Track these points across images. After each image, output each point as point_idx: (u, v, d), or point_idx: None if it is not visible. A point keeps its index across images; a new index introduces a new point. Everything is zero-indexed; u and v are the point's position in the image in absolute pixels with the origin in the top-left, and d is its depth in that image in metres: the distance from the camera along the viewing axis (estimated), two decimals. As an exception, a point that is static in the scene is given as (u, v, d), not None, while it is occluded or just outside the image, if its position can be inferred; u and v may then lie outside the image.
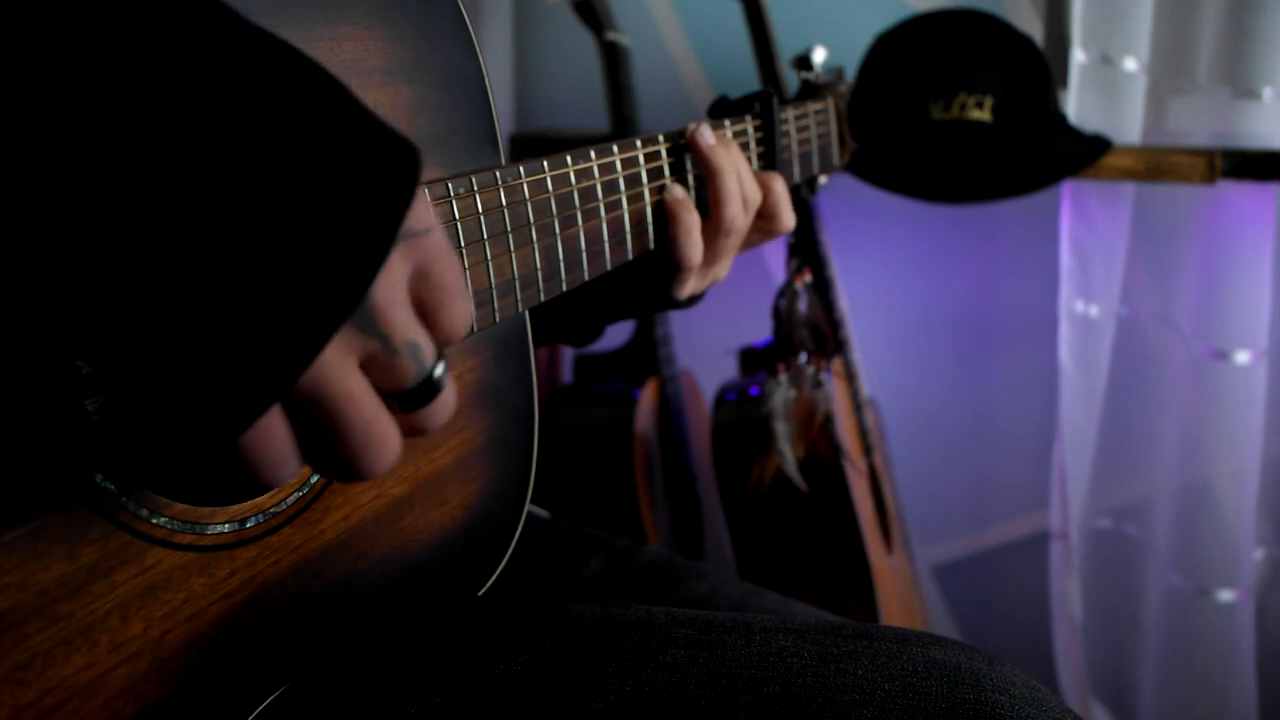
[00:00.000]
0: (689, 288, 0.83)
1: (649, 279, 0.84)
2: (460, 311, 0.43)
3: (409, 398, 0.42)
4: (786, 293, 1.41)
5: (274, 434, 0.39)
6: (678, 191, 0.78)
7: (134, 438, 0.37)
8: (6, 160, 0.34)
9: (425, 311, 0.42)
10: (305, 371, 0.37)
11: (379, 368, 0.40)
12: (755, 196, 0.82)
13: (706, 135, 0.78)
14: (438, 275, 0.42)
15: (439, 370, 0.42)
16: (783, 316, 1.41)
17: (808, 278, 1.44)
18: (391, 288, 0.40)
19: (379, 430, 0.40)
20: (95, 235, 0.34)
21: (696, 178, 0.80)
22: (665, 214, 0.78)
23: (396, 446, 0.41)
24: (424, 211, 0.41)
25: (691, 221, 0.78)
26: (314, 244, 0.36)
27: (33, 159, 0.34)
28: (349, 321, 0.38)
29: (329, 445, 0.40)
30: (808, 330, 1.41)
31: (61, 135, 0.34)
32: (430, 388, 0.42)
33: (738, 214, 0.80)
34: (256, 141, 0.36)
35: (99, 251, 0.34)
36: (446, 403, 0.43)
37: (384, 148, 0.38)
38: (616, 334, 1.67)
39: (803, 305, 1.41)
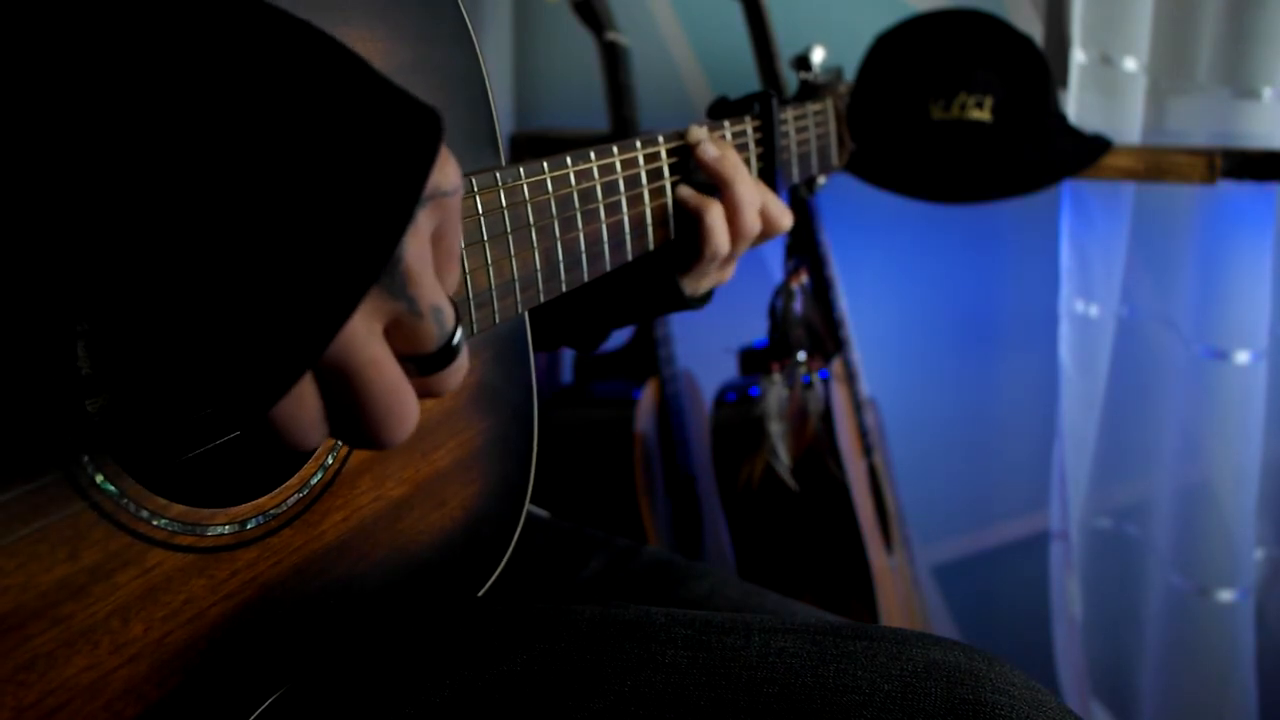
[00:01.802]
0: (706, 282, 0.84)
1: (658, 280, 0.84)
2: (455, 278, 0.43)
3: (428, 362, 0.41)
4: (782, 293, 1.41)
5: (305, 399, 0.39)
6: (686, 190, 0.79)
7: (163, 413, 0.37)
8: (34, 130, 0.34)
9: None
10: (336, 336, 0.37)
11: (403, 332, 0.40)
12: (761, 199, 0.82)
13: (709, 149, 0.78)
14: (449, 238, 0.42)
15: (458, 335, 0.42)
16: (778, 317, 1.41)
17: (804, 278, 1.44)
18: (422, 248, 0.40)
19: (401, 399, 0.40)
20: (132, 206, 0.34)
21: (701, 184, 0.80)
22: (687, 212, 0.79)
23: (415, 415, 0.41)
24: (453, 172, 0.41)
25: (716, 209, 0.79)
26: (340, 205, 0.36)
27: (61, 134, 0.34)
28: (379, 284, 0.38)
29: (351, 412, 0.39)
30: (804, 330, 1.42)
31: (91, 107, 0.34)
32: (449, 353, 0.42)
33: (754, 221, 0.81)
34: (281, 109, 0.36)
35: (136, 223, 0.34)
36: (461, 367, 0.43)
37: (404, 111, 0.38)
38: (617, 334, 1.67)
39: (799, 305, 1.41)
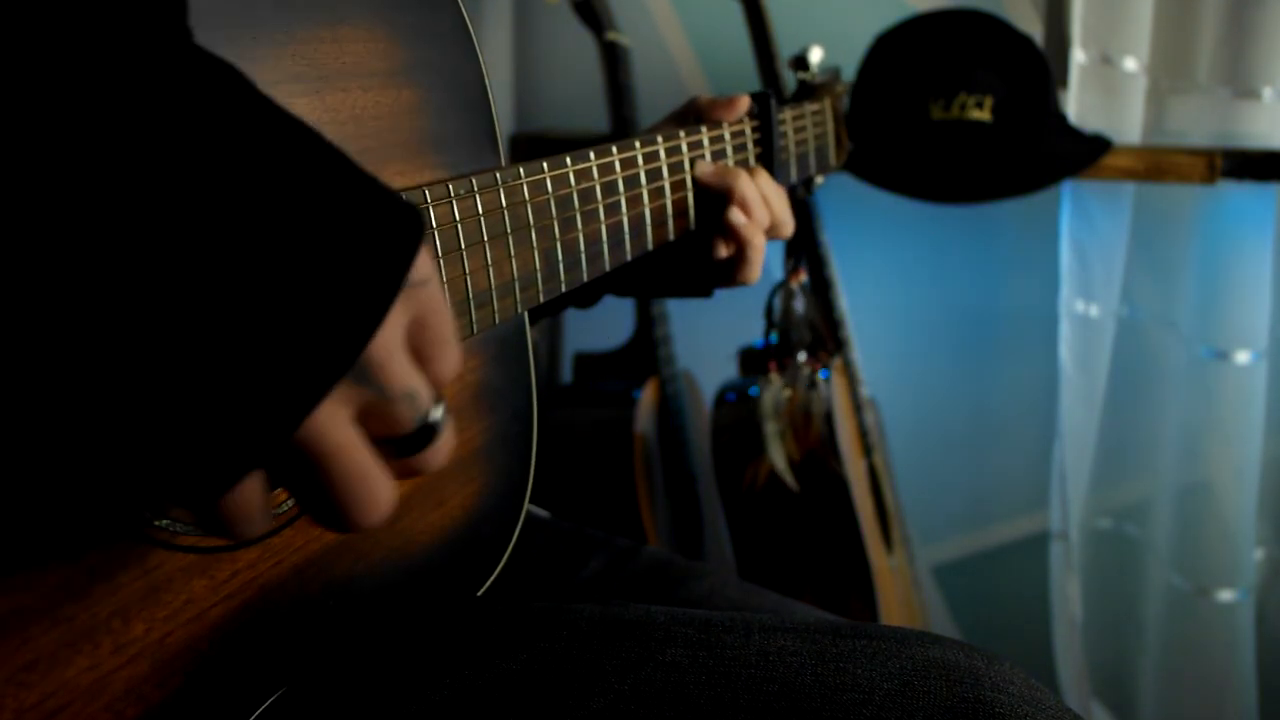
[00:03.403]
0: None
1: (677, 274, 0.86)
2: (452, 360, 0.43)
3: (407, 443, 0.42)
4: (780, 292, 1.41)
5: (248, 491, 0.39)
6: (740, 216, 0.80)
7: (113, 486, 0.36)
8: (14, 217, 0.33)
9: (420, 360, 0.42)
10: (304, 424, 0.37)
11: (376, 416, 0.40)
12: (760, 194, 0.83)
13: (702, 166, 0.80)
14: (434, 326, 0.42)
15: (437, 413, 0.42)
16: (775, 316, 1.41)
17: (803, 277, 1.44)
18: (389, 338, 0.40)
19: (370, 484, 0.40)
20: (104, 278, 0.34)
21: (698, 192, 0.81)
22: (735, 238, 0.81)
23: (388, 500, 0.41)
24: (424, 262, 0.41)
25: (761, 242, 0.82)
26: (314, 301, 0.36)
27: (43, 223, 0.33)
28: (346, 375, 0.38)
29: (319, 496, 0.40)
30: (804, 330, 1.42)
31: (76, 200, 0.34)
32: (428, 432, 0.42)
33: (762, 216, 0.82)
34: (262, 207, 0.36)
35: (105, 295, 0.34)
36: (445, 444, 0.43)
37: (386, 209, 0.38)
38: (617, 334, 1.67)
39: (799, 305, 1.41)
